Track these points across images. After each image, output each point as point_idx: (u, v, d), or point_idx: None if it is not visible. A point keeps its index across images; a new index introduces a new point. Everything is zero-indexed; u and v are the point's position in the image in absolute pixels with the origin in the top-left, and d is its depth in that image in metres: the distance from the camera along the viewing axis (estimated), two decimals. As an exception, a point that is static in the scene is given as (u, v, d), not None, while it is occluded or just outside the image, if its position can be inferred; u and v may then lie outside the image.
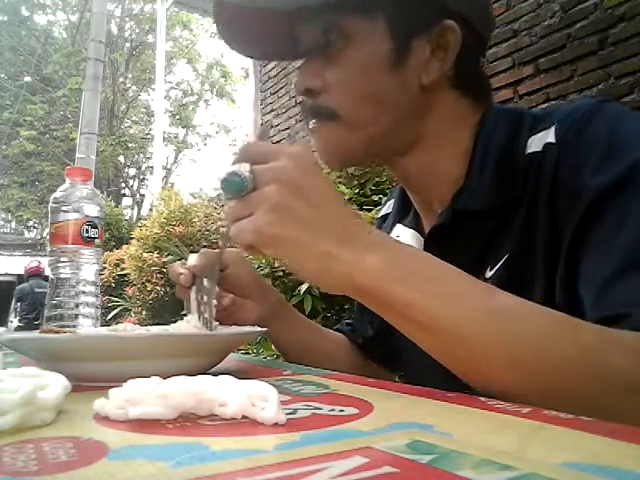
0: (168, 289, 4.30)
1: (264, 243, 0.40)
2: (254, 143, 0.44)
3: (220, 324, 0.58)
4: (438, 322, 0.38)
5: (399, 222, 0.68)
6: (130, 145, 15.56)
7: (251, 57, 0.70)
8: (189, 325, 0.53)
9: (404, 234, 0.65)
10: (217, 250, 0.60)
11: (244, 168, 0.40)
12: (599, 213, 0.44)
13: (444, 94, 0.57)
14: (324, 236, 0.39)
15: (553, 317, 0.38)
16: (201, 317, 0.54)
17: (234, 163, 0.41)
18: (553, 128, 0.52)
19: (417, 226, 0.65)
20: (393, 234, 0.68)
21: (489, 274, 0.53)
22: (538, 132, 0.53)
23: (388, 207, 0.77)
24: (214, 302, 0.54)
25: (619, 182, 0.44)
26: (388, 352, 0.72)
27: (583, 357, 0.36)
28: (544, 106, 2.41)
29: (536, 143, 0.53)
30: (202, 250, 0.62)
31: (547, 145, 0.51)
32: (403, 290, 0.38)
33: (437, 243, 0.58)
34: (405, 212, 0.68)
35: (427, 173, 0.59)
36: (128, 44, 16.84)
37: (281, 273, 2.15)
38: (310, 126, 0.58)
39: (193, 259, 0.61)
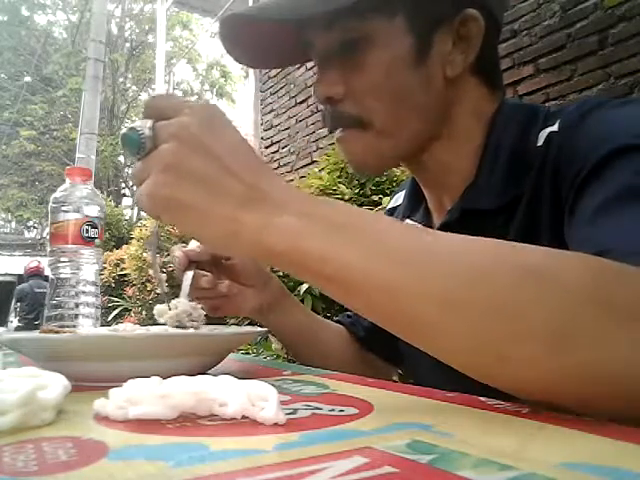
0: (168, 289, 4.29)
1: (159, 208, 0.36)
2: (159, 96, 0.39)
3: (214, 310, 0.58)
4: (354, 274, 0.33)
5: (409, 217, 0.67)
6: (130, 145, 15.51)
7: (260, 67, 0.70)
8: (173, 310, 0.53)
9: None
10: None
11: (146, 124, 0.36)
12: (586, 187, 0.44)
13: (468, 84, 0.56)
14: (226, 198, 0.35)
15: (490, 247, 0.34)
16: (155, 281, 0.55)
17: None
18: (558, 121, 0.51)
19: (428, 222, 0.64)
20: None
21: None
22: (548, 126, 0.53)
23: (396, 200, 0.75)
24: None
25: (609, 156, 0.43)
26: (388, 344, 0.72)
27: (527, 279, 0.31)
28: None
29: (543, 136, 0.52)
30: None
31: (550, 134, 0.51)
32: (317, 245, 0.33)
33: None
34: (416, 207, 0.67)
35: (444, 169, 0.58)
36: (128, 44, 16.84)
37: (281, 273, 2.15)
38: (336, 135, 0.57)
39: (193, 244, 0.61)
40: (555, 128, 0.51)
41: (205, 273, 0.64)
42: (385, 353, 0.76)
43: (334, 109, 0.55)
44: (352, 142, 0.56)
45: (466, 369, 0.33)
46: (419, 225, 0.63)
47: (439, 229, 0.58)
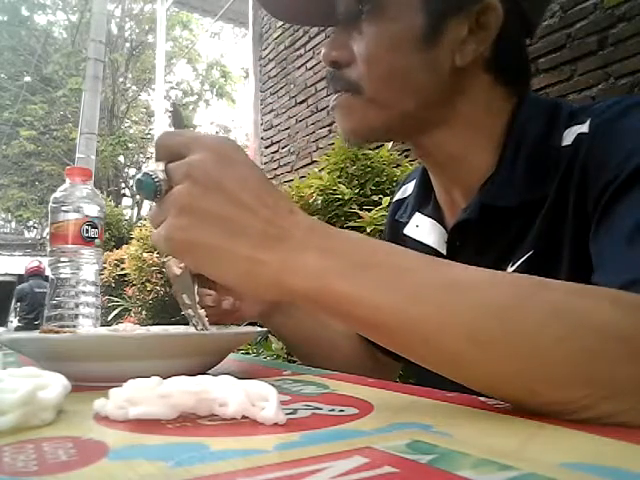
0: (168, 289, 4.29)
1: (178, 251, 0.36)
2: (167, 134, 0.38)
3: (218, 324, 0.57)
4: (384, 315, 0.33)
5: (418, 210, 0.65)
6: (130, 145, 15.55)
7: (296, 23, 0.68)
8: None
9: (424, 224, 0.63)
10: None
11: (159, 167, 0.36)
12: (619, 199, 0.42)
13: (478, 78, 0.54)
14: (243, 237, 0.34)
15: (514, 281, 0.34)
16: (192, 319, 0.53)
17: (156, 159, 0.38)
18: (588, 121, 0.50)
19: (438, 216, 0.62)
20: (412, 223, 0.65)
21: (509, 270, 0.51)
22: (574, 125, 0.51)
23: (404, 191, 0.73)
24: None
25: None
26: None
27: (557, 315, 0.31)
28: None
29: (570, 136, 0.51)
30: None
31: (580, 135, 0.49)
32: (344, 286, 0.33)
33: (461, 238, 0.57)
34: (425, 200, 0.65)
35: (451, 160, 0.57)
36: (128, 44, 16.83)
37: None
38: (333, 99, 0.56)
39: None
40: (585, 129, 0.49)
41: (209, 292, 0.62)
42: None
43: (336, 72, 0.55)
44: (345, 107, 0.55)
45: (496, 397, 0.34)
46: (432, 222, 0.62)
47: (457, 226, 0.56)
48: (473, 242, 0.56)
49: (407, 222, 0.66)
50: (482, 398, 0.35)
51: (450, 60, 0.52)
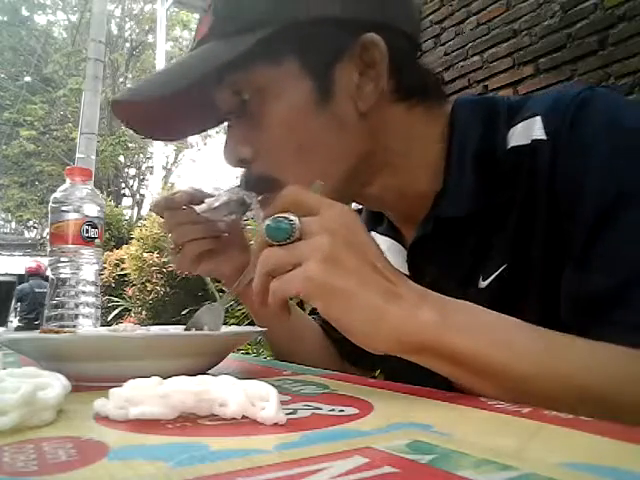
0: (168, 289, 4.30)
1: (314, 292, 0.37)
2: (299, 190, 0.40)
3: (198, 265, 0.57)
4: (495, 368, 0.37)
5: (373, 230, 0.63)
6: (130, 145, 15.55)
7: (179, 139, 0.66)
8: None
9: (381, 244, 0.60)
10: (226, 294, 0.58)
11: (288, 216, 0.38)
12: (611, 221, 0.42)
13: (391, 112, 0.52)
14: (372, 290, 0.37)
15: (617, 349, 0.38)
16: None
17: (273, 209, 0.39)
18: (538, 120, 0.47)
19: (395, 234, 0.61)
20: None
21: (483, 284, 0.50)
22: (518, 123, 0.49)
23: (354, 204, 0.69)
24: None
25: (630, 189, 0.42)
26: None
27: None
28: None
29: (519, 135, 0.49)
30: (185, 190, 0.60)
31: (537, 142, 0.47)
32: (457, 341, 0.37)
33: (421, 255, 0.55)
34: (377, 219, 0.63)
35: (400, 194, 0.55)
36: (128, 44, 16.84)
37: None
38: (259, 200, 0.53)
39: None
40: (540, 133, 0.47)
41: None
42: (359, 360, 0.71)
43: (248, 173, 0.52)
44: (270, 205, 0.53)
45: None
46: (389, 241, 0.60)
47: (415, 244, 0.55)
48: (434, 259, 0.54)
49: None
50: (482, 398, 0.35)
51: (353, 109, 0.50)
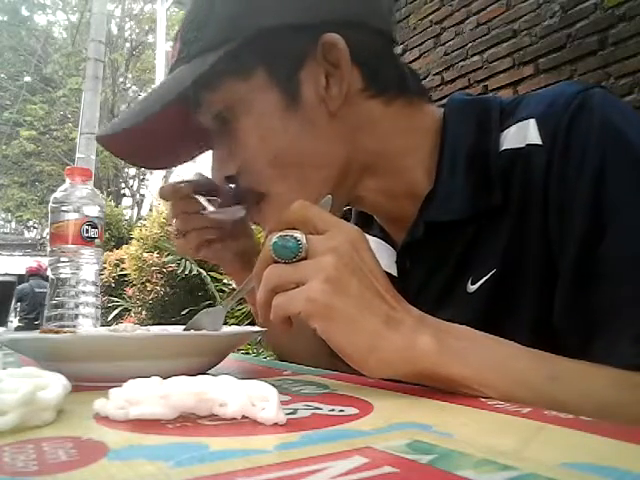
0: (168, 289, 4.30)
1: (315, 313, 0.37)
2: (306, 206, 0.40)
3: (201, 251, 0.59)
4: (493, 393, 0.37)
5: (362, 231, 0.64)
6: (130, 145, 15.52)
7: (169, 167, 0.66)
8: None
9: (371, 243, 0.62)
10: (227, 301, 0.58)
11: (294, 234, 0.38)
12: (605, 229, 0.42)
13: (370, 109, 0.51)
14: (373, 315, 0.37)
15: (610, 375, 0.38)
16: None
17: (280, 224, 0.39)
18: (533, 123, 0.47)
19: (384, 235, 0.60)
20: None
21: (472, 288, 0.49)
22: (511, 125, 0.49)
23: None
24: None
25: (623, 198, 0.42)
26: None
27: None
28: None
29: (512, 138, 0.48)
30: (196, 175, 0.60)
31: (532, 147, 0.46)
32: (457, 366, 0.37)
33: (411, 258, 0.55)
34: (367, 222, 0.62)
35: (389, 195, 0.54)
36: (128, 44, 16.84)
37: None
38: (239, 215, 0.54)
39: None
40: (535, 137, 0.46)
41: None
42: None
43: (234, 187, 0.53)
44: (269, 218, 0.52)
45: None
46: (378, 242, 0.59)
47: (404, 247, 0.54)
48: (423, 262, 0.54)
49: None
50: (482, 398, 0.35)
51: (325, 112, 0.50)
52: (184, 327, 0.57)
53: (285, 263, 0.38)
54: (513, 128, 0.48)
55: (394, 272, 0.56)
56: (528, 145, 0.47)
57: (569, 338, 0.43)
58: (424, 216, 0.51)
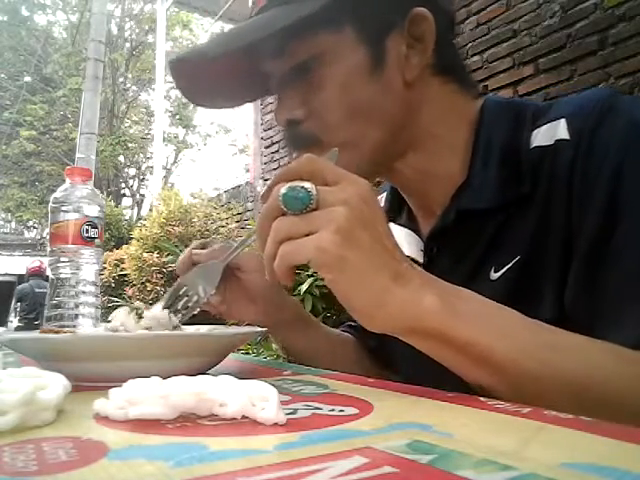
0: (168, 289, 4.29)
1: (324, 263, 0.37)
2: (314, 159, 0.40)
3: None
4: (496, 357, 0.38)
5: (392, 221, 0.65)
6: (130, 145, 15.55)
7: (222, 107, 0.67)
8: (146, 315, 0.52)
9: (399, 234, 0.63)
10: (228, 250, 0.58)
11: (305, 185, 0.37)
12: (618, 221, 0.43)
13: (430, 85, 0.55)
14: (383, 270, 0.37)
15: (610, 349, 0.39)
16: (172, 307, 0.54)
17: (288, 175, 0.39)
18: (563, 122, 0.49)
19: (413, 225, 0.63)
20: None
21: (494, 276, 0.51)
22: (542, 125, 0.51)
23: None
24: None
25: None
26: (393, 357, 0.69)
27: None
28: (544, 106, 2.41)
29: (542, 136, 0.50)
30: (220, 244, 0.60)
31: (560, 142, 0.49)
32: (462, 327, 0.38)
33: (439, 245, 0.57)
34: (398, 211, 0.66)
35: (426, 175, 0.57)
36: (128, 44, 16.83)
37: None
38: (295, 156, 0.55)
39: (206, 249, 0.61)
40: (564, 133, 0.49)
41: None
42: (390, 364, 0.71)
43: (294, 130, 0.55)
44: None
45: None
46: (407, 232, 0.62)
47: (433, 233, 0.56)
48: (450, 249, 0.56)
49: None
50: (482, 398, 0.35)
51: (400, 78, 0.53)
52: (177, 282, 0.57)
53: (293, 215, 0.38)
54: (544, 127, 0.51)
55: (421, 259, 0.59)
56: (557, 141, 0.49)
57: (577, 319, 0.45)
58: (457, 204, 0.54)
